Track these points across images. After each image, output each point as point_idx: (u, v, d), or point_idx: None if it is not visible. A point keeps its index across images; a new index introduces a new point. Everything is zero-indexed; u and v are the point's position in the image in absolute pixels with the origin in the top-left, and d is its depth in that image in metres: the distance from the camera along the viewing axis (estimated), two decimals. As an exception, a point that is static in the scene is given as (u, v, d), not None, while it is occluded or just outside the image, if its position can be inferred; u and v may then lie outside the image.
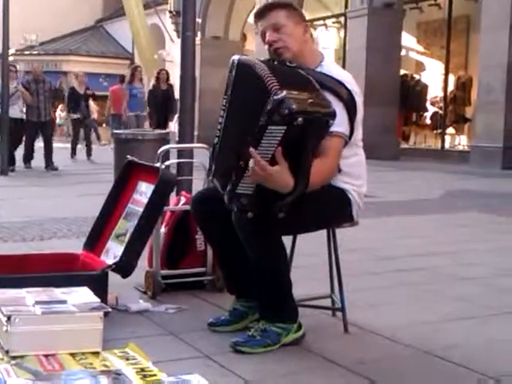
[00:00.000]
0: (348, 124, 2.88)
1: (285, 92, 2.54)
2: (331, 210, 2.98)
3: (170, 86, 14.96)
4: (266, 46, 2.99)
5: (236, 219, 2.79)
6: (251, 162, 2.57)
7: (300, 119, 2.52)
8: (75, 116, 15.22)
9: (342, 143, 2.87)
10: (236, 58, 2.87)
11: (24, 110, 12.65)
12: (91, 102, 16.51)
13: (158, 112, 14.58)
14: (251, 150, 2.56)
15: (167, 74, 14.95)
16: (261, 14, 3.01)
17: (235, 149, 2.76)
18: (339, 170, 2.93)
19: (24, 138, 12.92)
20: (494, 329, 3.26)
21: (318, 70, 2.94)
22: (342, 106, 2.84)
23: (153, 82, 15.58)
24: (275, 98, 2.54)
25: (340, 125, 2.80)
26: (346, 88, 2.89)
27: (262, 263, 2.85)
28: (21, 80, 13.17)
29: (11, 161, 12.18)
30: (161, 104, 14.35)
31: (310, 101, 2.58)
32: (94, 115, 17.97)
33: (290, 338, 2.91)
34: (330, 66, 3.01)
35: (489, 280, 4.24)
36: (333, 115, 2.65)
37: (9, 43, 12.34)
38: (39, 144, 13.26)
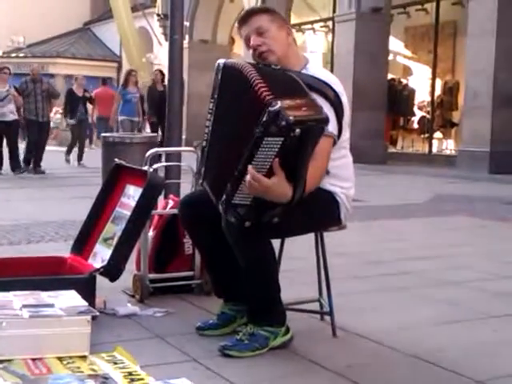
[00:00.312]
0: (336, 124, 2.89)
1: (279, 103, 2.51)
2: (319, 212, 2.97)
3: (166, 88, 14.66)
4: (251, 51, 2.99)
5: (225, 224, 2.79)
6: (248, 177, 2.55)
7: (297, 130, 2.49)
8: (72, 122, 14.85)
9: (331, 143, 2.88)
10: (222, 61, 2.88)
11: (15, 112, 12.46)
12: (89, 106, 16.10)
13: (158, 115, 13.79)
14: (249, 167, 2.55)
15: (162, 74, 14.42)
16: (244, 20, 3.04)
17: (223, 154, 2.76)
18: (327, 172, 2.93)
19: (26, 139, 12.90)
20: (481, 332, 3.28)
21: (304, 71, 2.95)
22: (330, 106, 2.85)
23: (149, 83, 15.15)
24: (271, 109, 2.51)
25: (328, 125, 2.79)
26: (333, 89, 2.91)
27: (251, 267, 2.85)
28: (13, 82, 12.95)
29: None
30: (159, 106, 13.04)
31: (304, 109, 2.57)
32: (92, 118, 17.67)
33: (278, 342, 2.91)
34: (315, 69, 3.02)
35: (476, 284, 4.26)
36: (326, 121, 2.64)
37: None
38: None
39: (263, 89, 2.57)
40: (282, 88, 2.66)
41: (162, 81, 14.25)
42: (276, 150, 2.53)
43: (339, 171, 3.00)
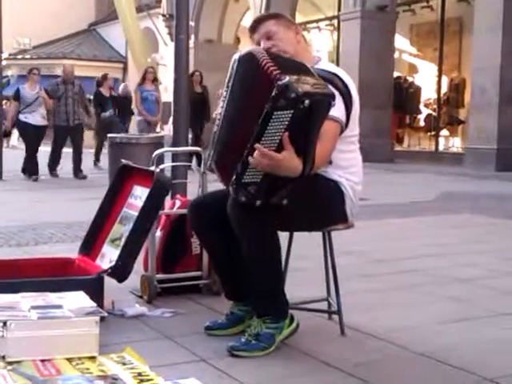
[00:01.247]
0: (344, 112, 2.92)
1: (287, 77, 2.55)
2: (324, 200, 2.98)
3: (205, 89, 13.80)
4: None
5: (230, 208, 2.81)
6: (256, 154, 2.57)
7: (307, 101, 2.52)
8: (103, 117, 13.77)
9: (338, 129, 2.90)
10: (237, 55, 2.92)
11: (45, 116, 11.98)
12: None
13: (193, 119, 11.67)
14: (256, 145, 2.57)
15: (201, 75, 13.64)
16: (253, 28, 3.14)
17: (234, 136, 2.77)
18: (330, 162, 2.95)
19: (52, 145, 12.35)
20: (490, 330, 3.27)
21: (315, 67, 2.97)
22: (339, 94, 2.87)
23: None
24: (279, 83, 2.54)
25: (336, 110, 2.81)
26: (342, 80, 2.95)
27: (255, 253, 2.85)
28: (44, 85, 12.22)
29: (35, 169, 11.82)
30: (195, 109, 11.63)
31: (312, 83, 2.60)
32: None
33: (285, 334, 2.92)
34: (326, 65, 3.08)
35: (485, 282, 4.25)
36: (333, 96, 2.68)
37: (2, 47, 12.31)
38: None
39: (272, 67, 2.61)
40: (290, 67, 2.69)
41: (201, 82, 13.62)
42: (286, 123, 2.55)
43: (347, 163, 3.02)
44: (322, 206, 2.99)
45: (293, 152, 2.59)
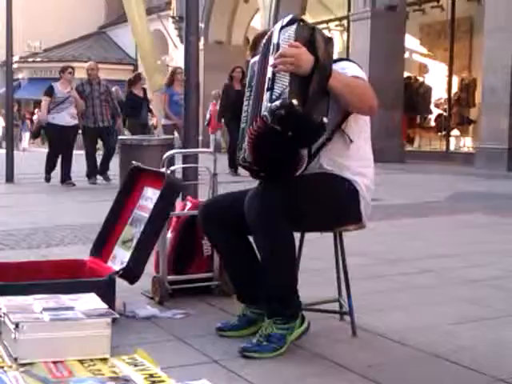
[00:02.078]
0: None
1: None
2: (339, 199, 2.98)
3: (244, 86, 12.52)
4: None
5: (247, 207, 2.81)
6: (276, 54, 2.68)
7: (306, 21, 2.78)
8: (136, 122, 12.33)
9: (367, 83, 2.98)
10: (254, 59, 2.97)
11: (75, 116, 11.33)
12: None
13: (232, 120, 11.66)
14: (272, 58, 2.68)
15: (243, 72, 12.12)
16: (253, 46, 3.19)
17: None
18: (350, 140, 2.96)
19: (84, 150, 11.77)
20: (503, 331, 3.25)
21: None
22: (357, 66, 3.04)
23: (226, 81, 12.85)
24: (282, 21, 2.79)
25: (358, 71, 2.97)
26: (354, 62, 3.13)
27: (270, 253, 2.85)
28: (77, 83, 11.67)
29: (50, 170, 11.46)
30: (234, 109, 10.36)
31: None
32: (152, 121, 15.98)
33: (296, 335, 2.91)
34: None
35: (497, 282, 4.23)
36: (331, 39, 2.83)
37: (13, 50, 12.34)
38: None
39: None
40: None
41: (242, 80, 12.14)
42: (293, 36, 2.72)
43: (361, 153, 3.02)
44: (337, 204, 2.99)
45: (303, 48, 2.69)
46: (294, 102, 2.61)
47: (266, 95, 2.68)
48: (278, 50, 2.70)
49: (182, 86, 13.00)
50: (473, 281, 4.26)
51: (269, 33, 2.87)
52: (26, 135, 31.86)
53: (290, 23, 2.77)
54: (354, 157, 2.99)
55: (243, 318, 3.13)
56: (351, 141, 2.96)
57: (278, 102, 2.62)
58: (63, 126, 11.14)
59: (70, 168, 11.26)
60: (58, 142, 11.35)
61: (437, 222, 6.94)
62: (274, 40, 2.75)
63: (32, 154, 12.53)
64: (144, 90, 12.81)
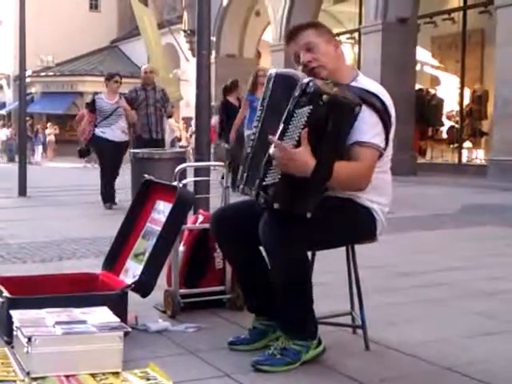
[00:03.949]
0: (383, 137, 2.88)
1: (312, 78, 2.65)
2: (356, 228, 2.97)
3: None
4: (301, 67, 2.98)
5: (262, 231, 2.79)
6: (271, 149, 2.61)
7: (325, 97, 2.59)
8: (226, 145, 10.85)
9: (377, 156, 2.86)
10: (273, 71, 2.90)
11: (126, 130, 9.80)
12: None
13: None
14: (270, 137, 2.62)
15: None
16: (291, 37, 3.03)
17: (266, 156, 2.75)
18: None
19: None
20: (516, 344, 3.23)
21: (354, 84, 2.94)
22: (378, 119, 2.85)
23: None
24: (303, 81, 2.64)
25: (375, 136, 2.81)
26: (382, 101, 2.90)
27: (286, 276, 2.82)
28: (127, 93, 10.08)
29: (110, 194, 9.61)
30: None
31: (336, 89, 2.67)
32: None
33: (311, 355, 2.89)
34: (365, 81, 3.01)
35: (509, 295, 4.20)
36: (359, 104, 2.69)
37: (25, 64, 12.42)
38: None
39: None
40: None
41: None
42: (304, 119, 2.61)
43: (378, 183, 2.96)
44: (353, 230, 2.98)
45: (308, 149, 2.61)
46: (275, 205, 2.67)
47: (260, 174, 2.70)
48: (291, 117, 2.64)
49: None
50: (486, 294, 4.23)
51: (290, 76, 2.80)
52: (39, 149, 32.06)
53: (306, 94, 2.62)
54: (373, 187, 2.92)
55: (253, 331, 3.12)
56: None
57: (262, 200, 2.70)
58: (116, 142, 9.63)
59: (113, 187, 9.75)
60: (110, 158, 9.66)
61: (449, 234, 6.91)
62: (290, 105, 2.65)
63: (46, 168, 12.46)
64: (239, 100, 11.01)
